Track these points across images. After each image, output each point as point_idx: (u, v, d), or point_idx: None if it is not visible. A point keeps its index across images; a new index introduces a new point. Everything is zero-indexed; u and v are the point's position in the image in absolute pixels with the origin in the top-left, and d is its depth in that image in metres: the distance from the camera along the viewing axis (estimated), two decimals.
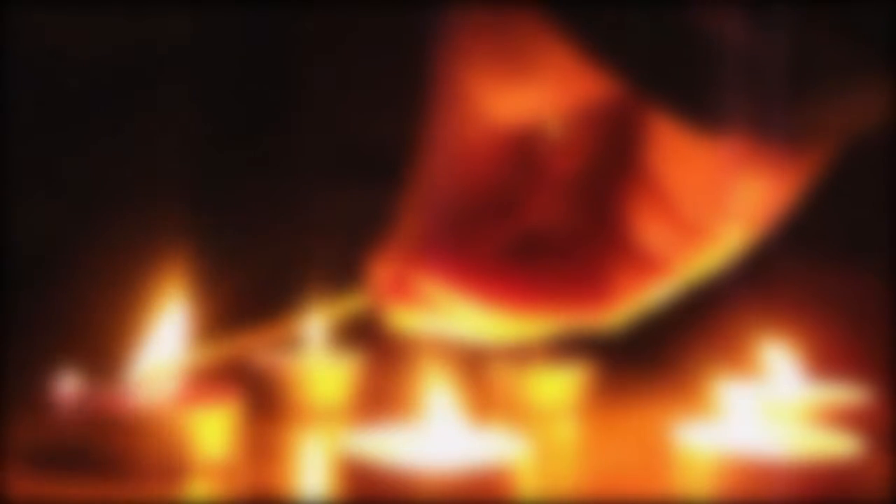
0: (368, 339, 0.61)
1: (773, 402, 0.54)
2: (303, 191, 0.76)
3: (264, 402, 0.57)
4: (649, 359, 0.67)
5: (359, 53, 0.80)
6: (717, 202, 0.39)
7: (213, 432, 0.46)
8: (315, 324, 0.61)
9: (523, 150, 0.41)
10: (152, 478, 0.44)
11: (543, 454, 0.50)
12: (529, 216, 0.42)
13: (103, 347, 0.48)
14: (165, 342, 0.48)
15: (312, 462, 0.52)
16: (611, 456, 0.53)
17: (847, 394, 0.54)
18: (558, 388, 0.61)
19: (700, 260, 0.40)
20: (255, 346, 0.49)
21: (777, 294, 0.67)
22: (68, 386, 0.46)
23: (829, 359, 0.57)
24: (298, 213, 0.75)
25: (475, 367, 0.59)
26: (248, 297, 0.59)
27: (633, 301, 0.41)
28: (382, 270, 0.42)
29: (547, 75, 0.38)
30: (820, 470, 0.41)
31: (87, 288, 0.71)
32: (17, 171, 0.75)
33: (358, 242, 0.45)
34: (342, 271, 0.47)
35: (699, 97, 0.36)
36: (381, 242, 0.42)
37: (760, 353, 0.57)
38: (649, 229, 0.40)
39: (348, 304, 0.45)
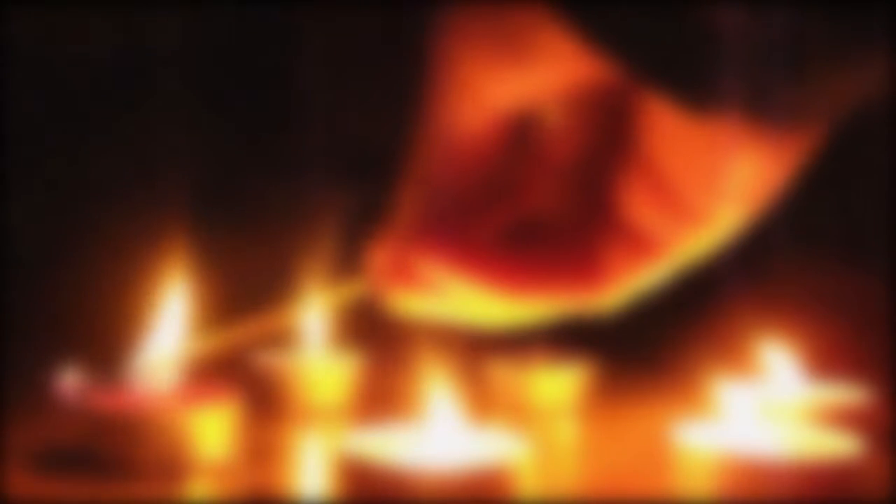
0: (368, 338, 0.62)
1: (772, 402, 0.54)
2: (302, 187, 0.76)
3: (264, 402, 0.57)
4: (649, 359, 0.67)
5: (358, 52, 0.80)
6: (713, 183, 0.39)
7: (213, 432, 0.46)
8: (315, 322, 0.61)
9: (520, 135, 0.41)
10: (152, 478, 0.44)
11: (543, 454, 0.50)
12: (526, 201, 0.42)
13: (104, 342, 0.49)
14: (166, 334, 0.48)
15: (312, 462, 0.52)
16: (611, 456, 0.53)
17: (847, 394, 0.54)
18: (558, 388, 0.61)
19: (695, 241, 0.41)
20: (257, 336, 0.49)
21: (777, 294, 0.67)
22: (70, 381, 0.46)
23: (828, 359, 0.57)
24: (297, 207, 0.75)
25: (475, 366, 0.59)
26: (247, 289, 0.59)
27: (628, 283, 0.41)
28: (382, 255, 0.42)
29: (544, 59, 0.38)
30: (820, 470, 0.41)
31: (86, 284, 0.71)
32: (16, 167, 0.75)
33: (356, 236, 0.45)
34: (341, 262, 0.47)
35: (694, 78, 0.36)
36: (380, 229, 0.43)
37: (760, 353, 0.57)
38: (645, 211, 0.40)
39: (349, 291, 0.45)
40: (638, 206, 0.40)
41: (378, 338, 0.62)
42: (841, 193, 0.70)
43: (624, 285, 0.41)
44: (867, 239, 0.71)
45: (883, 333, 0.66)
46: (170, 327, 0.48)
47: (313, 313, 0.59)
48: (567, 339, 0.62)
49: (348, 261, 0.46)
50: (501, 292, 0.41)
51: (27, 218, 0.76)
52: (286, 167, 0.78)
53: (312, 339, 0.61)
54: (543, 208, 0.42)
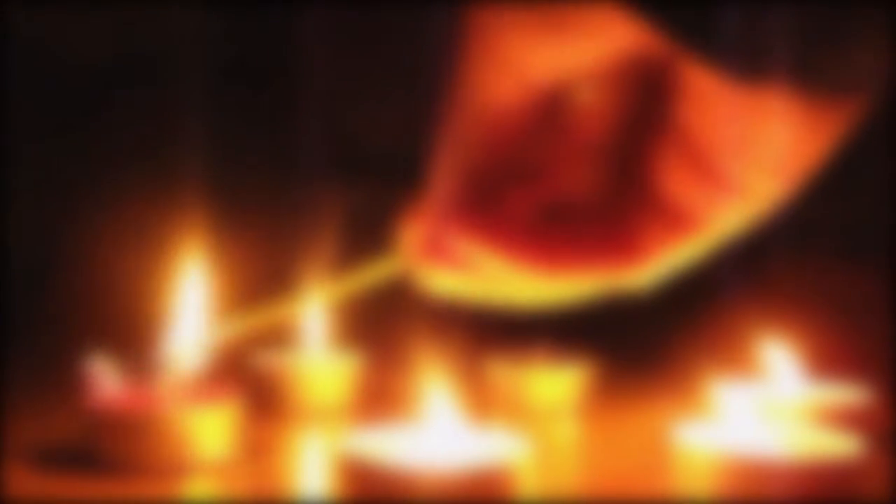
0: (368, 338, 0.62)
1: (773, 402, 0.54)
2: (306, 179, 0.76)
3: (264, 402, 0.57)
4: (649, 359, 0.67)
5: (360, 52, 0.80)
6: (750, 156, 0.39)
7: (213, 432, 0.46)
8: (315, 322, 0.61)
9: (555, 112, 0.41)
10: (152, 477, 0.44)
11: (543, 454, 0.50)
12: (561, 177, 0.42)
13: (125, 331, 0.49)
14: (187, 323, 0.48)
15: (312, 462, 0.52)
16: (611, 456, 0.53)
17: (847, 394, 0.54)
18: (558, 388, 0.61)
19: (733, 215, 0.40)
20: (278, 322, 0.48)
21: (777, 294, 0.67)
22: (99, 370, 0.46)
23: (829, 359, 0.57)
24: (306, 195, 0.75)
25: (475, 366, 0.60)
26: (264, 276, 0.59)
27: (665, 257, 0.41)
28: (416, 232, 0.42)
29: (585, 28, 0.38)
30: (820, 470, 0.41)
31: (98, 277, 0.71)
32: (26, 157, 0.76)
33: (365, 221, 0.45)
34: (353, 247, 0.47)
35: (736, 47, 0.36)
36: (414, 205, 0.42)
37: (760, 353, 0.57)
38: (681, 185, 0.40)
39: (381, 269, 0.45)
40: (674, 180, 0.40)
41: (378, 338, 0.62)
42: (841, 192, 0.70)
43: (660, 260, 0.41)
44: (867, 238, 0.71)
45: (883, 333, 0.66)
46: (189, 316, 0.48)
47: (334, 299, 0.59)
48: (568, 339, 0.62)
49: (360, 246, 0.46)
50: (536, 270, 0.41)
51: (36, 215, 0.76)
52: (291, 159, 0.78)
53: (312, 339, 0.61)
54: (578, 185, 0.42)
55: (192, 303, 0.48)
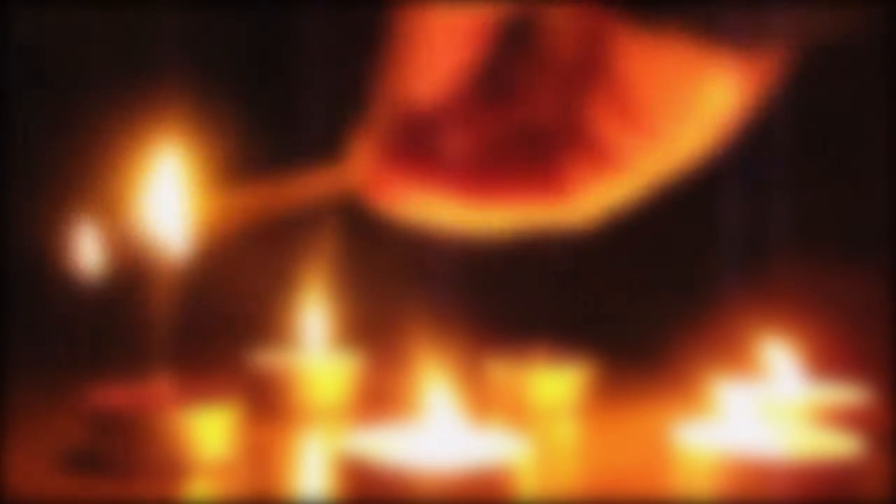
0: (368, 338, 0.62)
1: (773, 402, 0.54)
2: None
3: (264, 402, 0.57)
4: (649, 359, 0.67)
5: (358, 50, 0.80)
6: (676, 105, 0.42)
7: (213, 432, 0.46)
8: (315, 322, 0.61)
9: (515, 35, 0.43)
10: (152, 478, 0.44)
11: (543, 454, 0.50)
12: (523, 104, 0.45)
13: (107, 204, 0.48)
14: (167, 195, 0.47)
15: (312, 462, 0.52)
16: (611, 456, 0.53)
17: (847, 394, 0.54)
18: (558, 388, 0.61)
19: (658, 160, 0.43)
20: (265, 203, 0.48)
21: (777, 294, 0.67)
22: (86, 241, 0.46)
23: (829, 359, 0.57)
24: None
25: (475, 366, 0.59)
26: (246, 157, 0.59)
27: (591, 196, 0.44)
28: (360, 163, 0.45)
29: None
30: (820, 470, 0.41)
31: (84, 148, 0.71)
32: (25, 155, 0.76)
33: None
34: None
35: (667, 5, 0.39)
36: (360, 129, 0.44)
37: (760, 353, 0.57)
38: (610, 128, 0.43)
39: (338, 178, 0.46)
40: (604, 123, 0.43)
41: (378, 338, 0.62)
42: (841, 193, 0.70)
43: (587, 198, 0.44)
44: (868, 239, 0.71)
45: (883, 333, 0.66)
46: (168, 189, 0.47)
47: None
48: (568, 339, 0.62)
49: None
50: (470, 205, 0.44)
51: (35, 214, 0.76)
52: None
53: (312, 339, 0.61)
54: (533, 116, 0.44)
55: (170, 181, 0.47)
